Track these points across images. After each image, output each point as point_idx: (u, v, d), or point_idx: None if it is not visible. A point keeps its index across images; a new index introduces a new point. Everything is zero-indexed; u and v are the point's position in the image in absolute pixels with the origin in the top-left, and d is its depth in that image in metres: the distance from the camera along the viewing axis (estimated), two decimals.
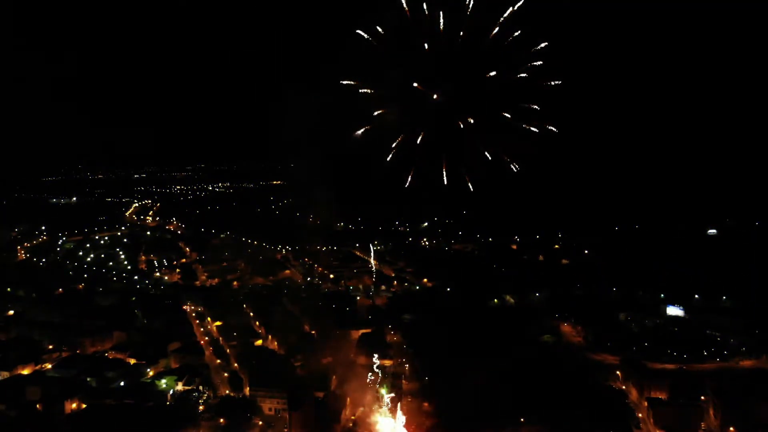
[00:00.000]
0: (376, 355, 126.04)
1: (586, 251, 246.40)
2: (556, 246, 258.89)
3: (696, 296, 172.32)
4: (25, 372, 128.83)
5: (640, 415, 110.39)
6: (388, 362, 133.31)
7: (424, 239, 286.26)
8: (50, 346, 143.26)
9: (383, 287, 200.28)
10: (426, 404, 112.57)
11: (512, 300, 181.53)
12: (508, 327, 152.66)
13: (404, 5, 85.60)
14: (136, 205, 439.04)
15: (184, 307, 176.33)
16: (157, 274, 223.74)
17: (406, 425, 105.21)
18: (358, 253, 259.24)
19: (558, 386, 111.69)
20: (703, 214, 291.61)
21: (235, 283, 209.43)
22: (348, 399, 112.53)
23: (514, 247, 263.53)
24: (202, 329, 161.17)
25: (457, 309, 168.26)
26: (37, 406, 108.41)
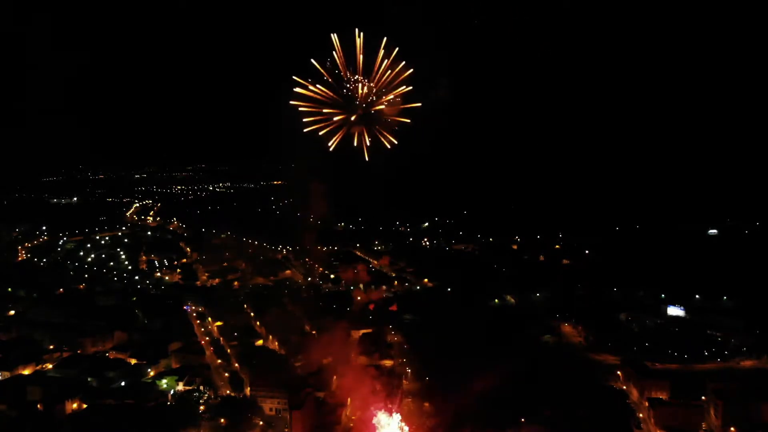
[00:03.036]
0: (376, 356, 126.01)
1: (586, 251, 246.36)
2: (557, 246, 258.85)
3: (696, 296, 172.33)
4: (26, 372, 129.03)
5: (641, 415, 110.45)
6: (388, 362, 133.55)
7: (425, 239, 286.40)
8: (51, 346, 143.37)
9: (384, 287, 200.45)
10: (426, 404, 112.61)
11: (513, 300, 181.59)
12: (508, 327, 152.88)
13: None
14: (137, 205, 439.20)
15: (185, 308, 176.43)
16: (158, 274, 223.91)
17: (406, 425, 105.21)
18: (359, 253, 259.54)
19: (559, 386, 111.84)
20: (704, 214, 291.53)
21: (235, 283, 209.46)
22: (348, 399, 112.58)
23: (515, 247, 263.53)
24: (202, 329, 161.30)
25: (458, 309, 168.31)
26: (38, 406, 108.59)
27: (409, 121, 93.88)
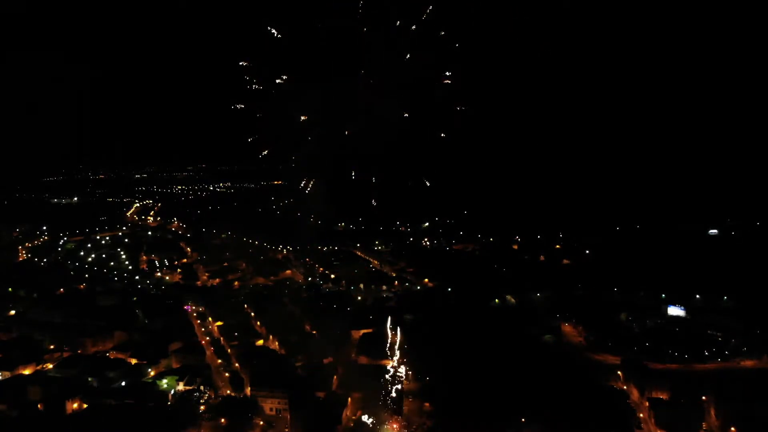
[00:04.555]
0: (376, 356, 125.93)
1: (587, 251, 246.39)
2: (557, 246, 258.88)
3: (697, 296, 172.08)
4: (27, 372, 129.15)
5: (641, 415, 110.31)
6: (388, 362, 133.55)
7: (425, 239, 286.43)
8: (51, 346, 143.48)
9: (384, 287, 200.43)
10: (426, 404, 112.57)
11: (513, 300, 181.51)
12: (508, 327, 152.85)
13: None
14: (137, 205, 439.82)
15: (185, 307, 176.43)
16: (158, 274, 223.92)
17: (407, 425, 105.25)
18: (359, 253, 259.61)
19: (559, 386, 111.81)
20: (704, 214, 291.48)
21: (236, 283, 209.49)
22: (349, 399, 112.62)
23: (515, 247, 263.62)
24: (203, 329, 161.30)
25: (458, 309, 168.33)
26: (39, 406, 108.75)
27: (444, 135, 55.99)
